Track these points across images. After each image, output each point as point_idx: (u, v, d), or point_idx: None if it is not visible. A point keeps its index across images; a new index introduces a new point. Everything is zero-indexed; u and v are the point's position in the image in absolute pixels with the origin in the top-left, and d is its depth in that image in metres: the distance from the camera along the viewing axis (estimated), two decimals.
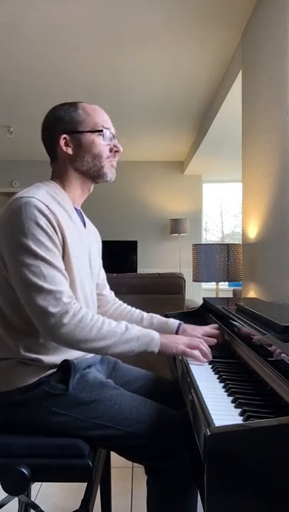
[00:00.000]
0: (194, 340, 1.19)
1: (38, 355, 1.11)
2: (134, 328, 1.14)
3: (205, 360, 1.15)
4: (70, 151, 1.21)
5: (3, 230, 1.09)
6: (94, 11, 2.61)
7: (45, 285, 1.04)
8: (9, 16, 2.66)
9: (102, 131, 1.22)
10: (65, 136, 1.20)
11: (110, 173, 1.25)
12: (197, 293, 6.27)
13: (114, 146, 1.24)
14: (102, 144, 1.22)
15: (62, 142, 1.21)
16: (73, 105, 1.23)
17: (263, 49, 2.31)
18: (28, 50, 3.11)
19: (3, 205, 1.14)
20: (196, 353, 1.15)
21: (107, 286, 1.48)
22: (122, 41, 2.99)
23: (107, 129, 1.23)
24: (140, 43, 3.02)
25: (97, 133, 1.21)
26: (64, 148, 1.21)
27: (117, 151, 1.25)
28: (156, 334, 1.16)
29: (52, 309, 1.03)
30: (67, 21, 2.73)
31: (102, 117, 1.23)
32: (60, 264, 1.10)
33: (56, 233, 1.09)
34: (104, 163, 1.23)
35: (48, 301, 1.03)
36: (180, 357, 1.20)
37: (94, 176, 1.24)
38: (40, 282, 1.03)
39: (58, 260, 1.09)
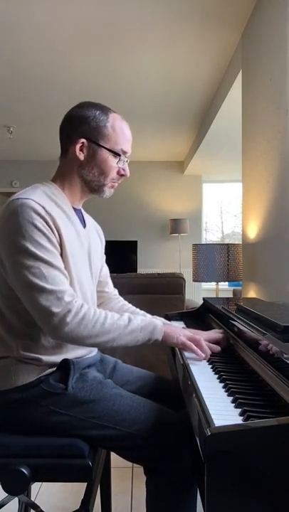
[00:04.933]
0: (196, 336, 1.20)
1: (37, 355, 1.12)
2: (137, 318, 1.15)
3: (203, 355, 1.15)
4: (82, 157, 1.19)
5: (0, 232, 1.09)
6: (94, 12, 2.61)
7: (47, 285, 1.04)
8: (8, 17, 2.66)
9: (120, 155, 1.21)
10: (83, 141, 1.19)
11: (108, 192, 1.26)
12: (197, 293, 6.27)
13: (123, 169, 1.24)
14: (113, 166, 1.21)
15: (78, 145, 1.19)
16: (105, 113, 1.20)
17: (263, 49, 2.31)
18: (28, 50, 3.11)
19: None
20: (195, 347, 1.16)
21: (110, 283, 1.49)
22: (122, 41, 2.99)
23: (125, 153, 1.22)
24: (140, 43, 3.02)
25: (114, 154, 1.20)
26: (78, 152, 1.19)
27: (123, 175, 1.25)
28: (159, 322, 1.18)
29: (55, 309, 1.04)
30: (67, 21, 2.73)
31: (125, 140, 1.22)
32: (60, 263, 1.10)
33: (53, 233, 1.10)
34: (107, 183, 1.23)
35: (50, 302, 1.04)
36: (180, 358, 1.20)
37: (93, 188, 1.24)
38: (42, 283, 1.04)
39: (57, 260, 1.09)
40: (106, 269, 1.47)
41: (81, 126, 1.19)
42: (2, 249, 1.09)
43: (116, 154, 1.21)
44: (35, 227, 1.06)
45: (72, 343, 1.10)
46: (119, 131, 1.21)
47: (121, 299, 1.49)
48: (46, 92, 3.92)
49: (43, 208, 1.08)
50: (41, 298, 1.04)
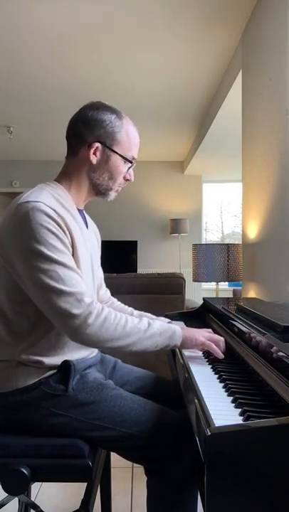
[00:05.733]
0: (215, 336, 1.21)
1: (38, 357, 1.11)
2: (156, 323, 1.15)
3: (222, 356, 1.16)
4: (94, 160, 1.19)
5: (11, 235, 1.07)
6: (94, 12, 2.61)
7: (65, 288, 1.03)
8: (9, 17, 2.66)
9: (131, 162, 1.23)
10: (98, 145, 1.18)
11: (113, 195, 1.27)
12: (197, 293, 6.27)
13: (129, 174, 1.26)
14: (122, 172, 1.23)
15: (92, 149, 1.18)
16: (120, 118, 1.20)
17: (263, 49, 2.31)
18: (28, 50, 3.11)
19: (5, 206, 1.12)
20: (215, 347, 1.17)
21: (104, 285, 1.49)
22: (122, 41, 2.99)
23: (134, 160, 1.24)
24: (140, 43, 3.02)
25: (125, 161, 1.22)
26: (91, 155, 1.18)
27: (128, 180, 1.26)
28: (177, 328, 1.18)
29: (75, 311, 1.03)
30: (68, 22, 2.73)
31: (135, 146, 1.23)
32: (74, 264, 1.10)
33: (66, 235, 1.09)
34: (114, 187, 1.25)
35: (70, 304, 1.03)
36: (180, 358, 1.20)
37: (100, 191, 1.25)
38: (59, 286, 1.03)
39: (71, 261, 1.09)
40: (101, 271, 1.46)
41: (97, 129, 1.18)
42: (14, 254, 1.07)
43: (127, 161, 1.22)
44: (49, 230, 1.04)
45: (92, 345, 1.09)
46: (132, 137, 1.22)
47: (111, 298, 1.51)
48: (46, 92, 3.92)
49: (54, 210, 1.07)
50: (60, 300, 1.03)
